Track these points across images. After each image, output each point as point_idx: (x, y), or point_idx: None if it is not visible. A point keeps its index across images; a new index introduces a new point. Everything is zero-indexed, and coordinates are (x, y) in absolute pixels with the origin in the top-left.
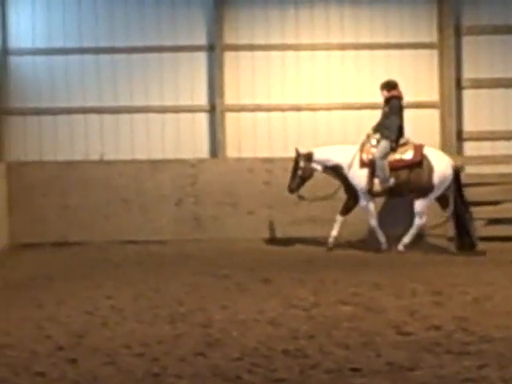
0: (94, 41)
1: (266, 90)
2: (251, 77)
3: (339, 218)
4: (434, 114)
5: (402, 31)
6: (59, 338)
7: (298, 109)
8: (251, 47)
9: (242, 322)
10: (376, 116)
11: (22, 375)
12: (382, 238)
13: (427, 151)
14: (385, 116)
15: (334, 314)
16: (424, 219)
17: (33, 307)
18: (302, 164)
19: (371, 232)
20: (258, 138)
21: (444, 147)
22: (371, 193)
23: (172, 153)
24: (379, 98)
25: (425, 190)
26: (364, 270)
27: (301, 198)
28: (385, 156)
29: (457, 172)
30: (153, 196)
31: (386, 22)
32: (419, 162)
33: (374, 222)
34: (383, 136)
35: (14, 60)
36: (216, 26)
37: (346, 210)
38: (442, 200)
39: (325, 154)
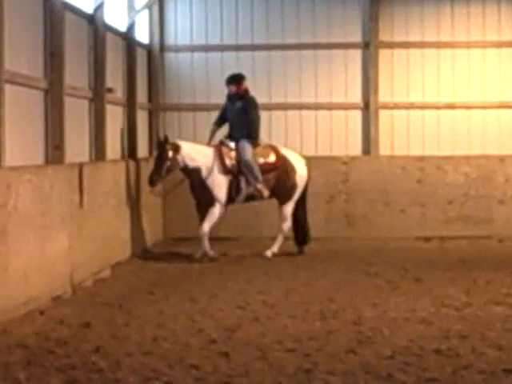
0: (250, 38)
1: (420, 87)
2: (405, 74)
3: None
4: None
5: None
6: (212, 331)
7: (452, 107)
8: (406, 44)
9: (393, 320)
10: None
11: (176, 367)
12: (207, 246)
13: (284, 152)
14: (239, 113)
15: (487, 314)
16: (290, 222)
17: (186, 300)
18: (170, 154)
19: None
20: (411, 136)
21: None
22: (234, 201)
23: (324, 150)
24: None
25: (290, 192)
26: None
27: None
28: (252, 156)
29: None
30: None
31: None
32: (282, 165)
33: (207, 227)
34: (242, 135)
35: (170, 57)
36: (371, 23)
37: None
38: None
39: (192, 151)
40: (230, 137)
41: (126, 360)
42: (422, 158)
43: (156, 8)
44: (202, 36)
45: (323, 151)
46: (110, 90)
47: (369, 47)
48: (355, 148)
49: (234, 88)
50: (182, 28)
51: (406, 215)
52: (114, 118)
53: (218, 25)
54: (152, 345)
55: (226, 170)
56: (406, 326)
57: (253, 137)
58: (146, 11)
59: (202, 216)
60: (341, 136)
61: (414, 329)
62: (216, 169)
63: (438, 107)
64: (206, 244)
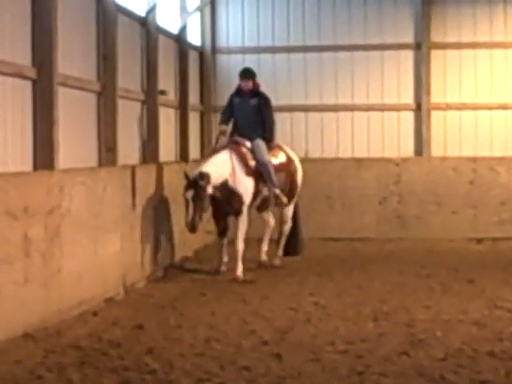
0: (302, 39)
1: (472, 88)
2: (458, 75)
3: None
4: None
5: None
6: (263, 332)
7: (505, 107)
8: (458, 45)
9: (446, 322)
10: None
11: (228, 369)
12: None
13: (289, 151)
14: (253, 110)
15: None
16: (291, 224)
17: (238, 302)
18: (208, 190)
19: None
20: (464, 137)
21: None
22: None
23: (376, 151)
24: None
25: (293, 193)
26: None
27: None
28: (269, 158)
29: None
30: (356, 194)
31: None
32: (290, 165)
33: (242, 243)
34: (257, 135)
35: (222, 59)
36: (423, 23)
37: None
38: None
39: (217, 169)
40: (239, 135)
41: (178, 361)
42: (474, 159)
43: (208, 10)
44: (253, 38)
45: (375, 153)
46: (162, 93)
47: (421, 48)
48: (407, 149)
49: (249, 83)
50: (234, 30)
51: (459, 216)
52: (167, 120)
53: (269, 27)
54: (204, 346)
55: (249, 172)
56: (458, 328)
57: (270, 137)
58: (198, 13)
59: (223, 225)
60: (393, 137)
61: (467, 331)
62: (240, 171)
63: (490, 108)
64: (240, 261)
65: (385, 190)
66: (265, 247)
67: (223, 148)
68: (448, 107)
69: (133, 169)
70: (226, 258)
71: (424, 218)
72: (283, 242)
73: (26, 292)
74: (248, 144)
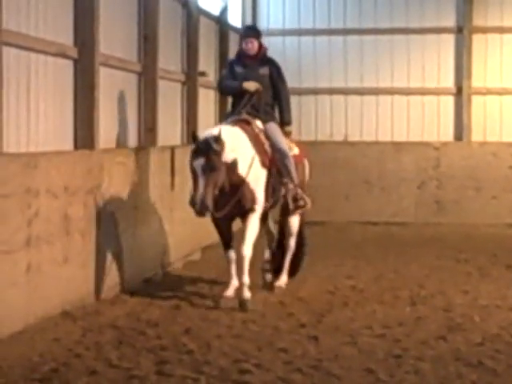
0: (342, 22)
1: None
2: (499, 59)
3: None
4: None
5: None
6: (301, 315)
7: None
8: (500, 29)
9: (484, 308)
10: None
11: (265, 350)
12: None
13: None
14: (264, 84)
15: None
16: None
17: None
18: (225, 157)
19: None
20: (504, 122)
21: None
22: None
23: (416, 135)
24: None
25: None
26: None
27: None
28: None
29: None
30: (395, 178)
31: None
32: (303, 159)
33: (251, 248)
34: (269, 116)
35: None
36: (465, 7)
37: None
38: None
39: (229, 137)
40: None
41: (215, 342)
42: None
43: None
44: (294, 20)
45: (414, 137)
46: (202, 74)
47: (462, 32)
48: (447, 134)
49: (255, 44)
50: (275, 12)
51: (498, 202)
52: (206, 101)
53: (310, 9)
54: (241, 327)
55: (265, 161)
56: (496, 313)
57: (288, 120)
58: None
59: (228, 231)
60: (432, 121)
61: (505, 316)
62: (257, 160)
63: None
64: (246, 270)
65: (424, 174)
66: (269, 264)
67: (231, 125)
68: (488, 92)
69: (172, 150)
70: (236, 281)
71: (463, 202)
72: (289, 259)
73: (65, 271)
74: (260, 125)
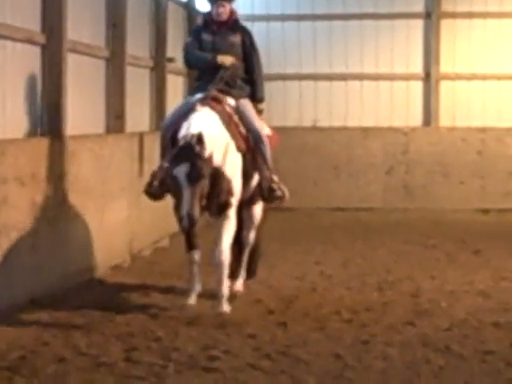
0: (311, 8)
1: (482, 58)
2: (467, 45)
3: None
4: None
5: None
6: (270, 301)
7: None
8: (469, 15)
9: (451, 293)
10: None
11: (234, 337)
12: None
13: None
14: (235, 54)
15: None
16: None
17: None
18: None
19: None
20: (473, 108)
21: None
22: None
23: (384, 121)
24: None
25: None
26: None
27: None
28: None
29: None
30: (363, 164)
31: None
32: (274, 139)
33: (228, 251)
34: (242, 91)
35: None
36: None
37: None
38: None
39: (207, 129)
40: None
41: (183, 329)
42: (483, 130)
43: None
44: (262, 6)
45: (383, 122)
46: (170, 60)
47: (431, 17)
48: (415, 119)
49: (227, 7)
50: None
51: (466, 187)
52: (175, 88)
53: None
54: (210, 314)
55: (240, 146)
56: (464, 298)
57: (261, 96)
58: None
59: (192, 235)
60: (401, 107)
61: (473, 302)
62: (232, 145)
63: (499, 78)
64: (225, 280)
65: (392, 159)
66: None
67: (200, 105)
68: (457, 77)
69: (140, 136)
70: (198, 286)
71: (431, 188)
72: (246, 256)
73: (33, 259)
74: (231, 102)
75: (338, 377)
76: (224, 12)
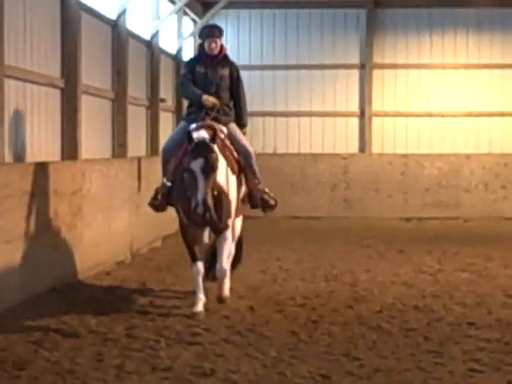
0: (272, 59)
1: (404, 100)
2: (393, 89)
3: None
4: None
5: None
6: (240, 289)
7: (430, 115)
8: (394, 66)
9: (381, 283)
10: None
11: (212, 317)
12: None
13: None
14: (224, 85)
15: (455, 279)
16: None
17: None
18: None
19: None
20: (397, 138)
21: None
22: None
23: (329, 148)
24: None
25: None
26: (479, 244)
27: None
28: None
29: None
30: (313, 182)
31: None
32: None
33: (227, 263)
34: (229, 118)
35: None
36: (366, 48)
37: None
38: None
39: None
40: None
41: (173, 311)
42: (405, 155)
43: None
44: (233, 57)
45: (328, 149)
46: (162, 100)
47: (365, 68)
48: (353, 147)
49: (218, 44)
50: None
51: (392, 200)
52: (166, 123)
53: (246, 48)
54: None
55: (234, 169)
56: (391, 287)
57: (245, 122)
58: (192, 38)
59: (196, 240)
60: (342, 137)
61: (398, 290)
62: (228, 169)
63: (418, 115)
64: (226, 284)
65: (335, 178)
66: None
67: (197, 129)
68: (385, 114)
69: (139, 160)
70: (203, 295)
71: (366, 201)
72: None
73: (55, 256)
74: (224, 129)
75: (293, 349)
76: (215, 47)
